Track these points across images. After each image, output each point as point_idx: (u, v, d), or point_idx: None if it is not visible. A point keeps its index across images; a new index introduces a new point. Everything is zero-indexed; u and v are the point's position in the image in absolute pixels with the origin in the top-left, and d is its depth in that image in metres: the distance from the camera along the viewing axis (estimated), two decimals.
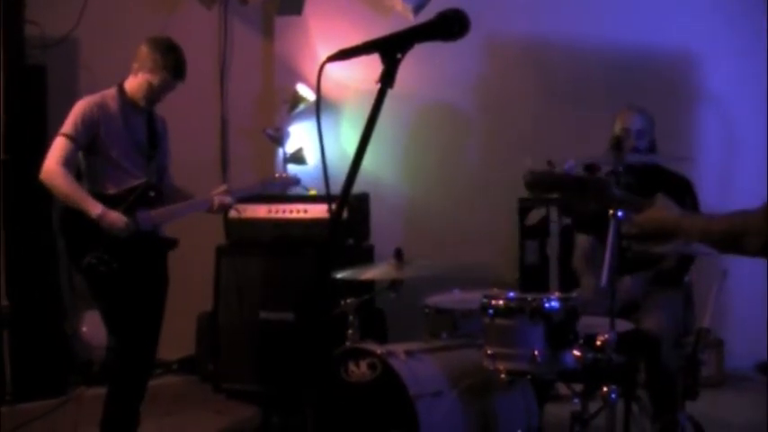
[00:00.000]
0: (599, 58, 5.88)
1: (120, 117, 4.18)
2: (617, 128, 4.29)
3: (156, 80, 4.16)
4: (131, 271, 4.09)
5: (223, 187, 4.43)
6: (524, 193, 5.67)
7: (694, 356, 3.99)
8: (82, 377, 5.79)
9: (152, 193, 4.23)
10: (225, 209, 4.48)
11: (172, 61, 4.15)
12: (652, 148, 4.34)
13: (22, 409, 5.31)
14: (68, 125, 4.06)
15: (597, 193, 2.34)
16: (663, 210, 2.29)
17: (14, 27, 5.66)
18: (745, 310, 5.75)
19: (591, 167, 2.33)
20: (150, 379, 4.48)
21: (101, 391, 4.29)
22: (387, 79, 1.72)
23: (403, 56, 1.73)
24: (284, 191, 5.08)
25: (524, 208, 5.61)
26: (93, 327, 5.62)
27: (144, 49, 4.16)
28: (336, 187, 1.78)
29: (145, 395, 4.27)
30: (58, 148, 4.03)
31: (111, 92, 4.22)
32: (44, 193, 4.10)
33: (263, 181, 4.64)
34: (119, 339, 4.18)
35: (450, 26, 1.75)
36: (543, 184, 2.34)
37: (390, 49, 1.73)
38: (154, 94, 4.21)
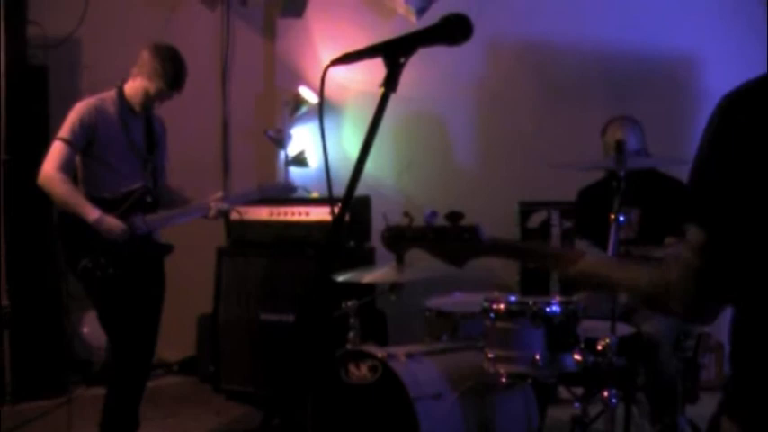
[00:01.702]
0: (600, 60, 5.88)
1: (119, 121, 4.18)
2: (609, 140, 4.28)
3: (152, 88, 4.16)
4: (127, 275, 4.10)
5: (220, 194, 4.44)
6: (526, 197, 5.69)
7: (694, 360, 3.99)
8: (82, 377, 5.80)
9: (149, 199, 4.24)
10: (221, 215, 4.48)
11: (171, 71, 4.15)
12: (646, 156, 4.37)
13: (22, 408, 5.32)
14: (66, 129, 4.06)
15: (464, 243, 2.03)
16: (596, 264, 1.96)
17: (16, 27, 5.67)
18: None
19: (453, 215, 2.04)
20: (151, 380, 4.49)
21: (101, 391, 4.30)
22: (390, 83, 1.72)
23: (406, 60, 1.73)
24: (282, 197, 5.09)
25: (525, 211, 5.62)
26: (93, 327, 5.63)
27: (145, 55, 4.16)
28: (338, 190, 1.78)
29: (142, 397, 4.28)
30: (55, 152, 4.04)
31: (110, 94, 4.22)
32: (45, 194, 4.10)
33: (260, 187, 4.65)
34: (115, 343, 4.18)
35: (453, 31, 1.75)
36: (403, 240, 2.05)
37: (394, 54, 1.72)
38: (149, 101, 4.22)
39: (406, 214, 2.18)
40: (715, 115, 1.67)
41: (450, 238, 2.03)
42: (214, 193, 4.45)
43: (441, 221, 2.07)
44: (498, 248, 2.10)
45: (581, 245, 4.46)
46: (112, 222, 4.03)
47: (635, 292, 1.90)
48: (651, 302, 1.83)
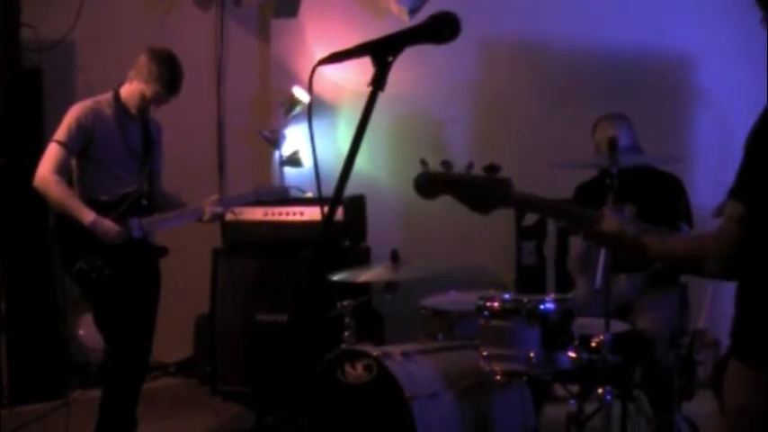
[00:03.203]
0: (594, 59, 5.88)
1: (115, 123, 4.19)
2: (600, 137, 4.29)
3: (148, 91, 4.16)
4: (122, 277, 4.10)
5: (215, 197, 4.44)
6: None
7: (690, 357, 4.00)
8: (79, 380, 5.79)
9: (144, 201, 4.25)
10: (216, 219, 4.48)
11: (167, 75, 4.15)
12: (638, 151, 4.37)
13: (20, 411, 5.32)
14: (61, 131, 4.07)
15: (498, 194, 2.17)
16: (619, 223, 2.21)
17: (10, 30, 5.66)
18: None
19: (491, 167, 2.16)
20: (147, 381, 4.50)
21: (98, 393, 4.29)
22: (378, 82, 1.73)
23: (394, 59, 1.74)
24: (276, 199, 5.10)
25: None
26: (89, 329, 5.62)
27: (142, 58, 4.16)
28: (332, 189, 1.78)
29: (138, 400, 4.28)
30: (50, 154, 4.05)
31: (106, 97, 4.23)
32: (40, 197, 4.10)
33: (255, 190, 4.65)
34: (111, 344, 4.19)
35: (440, 29, 1.76)
36: (436, 186, 2.15)
37: (381, 53, 1.73)
38: (145, 105, 4.21)
39: (445, 162, 2.18)
40: (760, 116, 2.04)
41: (484, 187, 2.16)
42: (209, 196, 4.45)
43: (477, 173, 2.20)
44: (526, 203, 2.33)
45: (576, 241, 4.46)
46: (108, 225, 4.04)
47: (666, 254, 2.18)
48: (683, 264, 2.21)
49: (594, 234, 2.25)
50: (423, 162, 2.19)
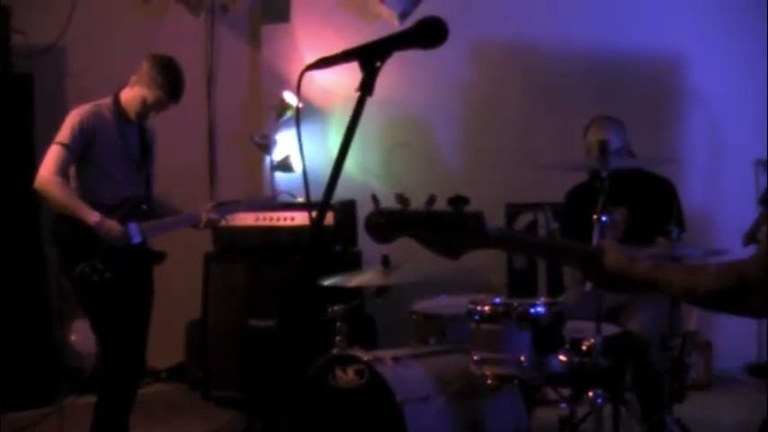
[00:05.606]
0: (586, 61, 5.90)
1: (115, 127, 4.19)
2: (591, 140, 4.29)
3: (150, 97, 4.16)
4: (120, 282, 4.09)
5: (211, 203, 4.46)
6: (512, 199, 5.70)
7: (681, 359, 4.01)
8: (72, 386, 5.78)
9: (144, 206, 4.26)
10: (211, 225, 4.49)
11: (169, 82, 4.15)
12: (630, 155, 4.38)
13: (12, 418, 5.30)
14: (64, 133, 4.06)
15: (467, 234, 1.73)
16: (626, 259, 1.81)
17: (0, 36, 5.66)
18: None
19: (458, 200, 1.73)
20: (139, 388, 4.48)
21: (91, 399, 4.29)
22: (366, 87, 1.73)
23: (382, 64, 1.74)
24: (268, 209, 5.12)
25: (512, 213, 5.62)
26: (81, 335, 5.62)
27: (145, 64, 4.17)
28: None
29: (133, 405, 4.27)
30: (52, 156, 4.03)
31: (106, 101, 4.23)
32: (31, 202, 4.10)
33: (247, 201, 4.69)
34: (108, 350, 4.18)
35: (428, 34, 1.76)
36: (391, 227, 1.77)
37: (369, 58, 1.74)
38: (146, 110, 4.21)
39: (401, 197, 1.79)
40: None
41: (450, 226, 1.74)
42: (203, 202, 4.47)
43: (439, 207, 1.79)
44: (506, 241, 1.93)
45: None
46: (112, 225, 4.03)
47: (692, 291, 1.73)
48: (716, 302, 1.72)
49: (597, 274, 1.85)
50: (373, 198, 1.84)
